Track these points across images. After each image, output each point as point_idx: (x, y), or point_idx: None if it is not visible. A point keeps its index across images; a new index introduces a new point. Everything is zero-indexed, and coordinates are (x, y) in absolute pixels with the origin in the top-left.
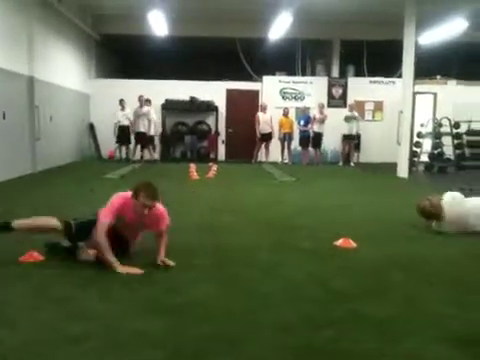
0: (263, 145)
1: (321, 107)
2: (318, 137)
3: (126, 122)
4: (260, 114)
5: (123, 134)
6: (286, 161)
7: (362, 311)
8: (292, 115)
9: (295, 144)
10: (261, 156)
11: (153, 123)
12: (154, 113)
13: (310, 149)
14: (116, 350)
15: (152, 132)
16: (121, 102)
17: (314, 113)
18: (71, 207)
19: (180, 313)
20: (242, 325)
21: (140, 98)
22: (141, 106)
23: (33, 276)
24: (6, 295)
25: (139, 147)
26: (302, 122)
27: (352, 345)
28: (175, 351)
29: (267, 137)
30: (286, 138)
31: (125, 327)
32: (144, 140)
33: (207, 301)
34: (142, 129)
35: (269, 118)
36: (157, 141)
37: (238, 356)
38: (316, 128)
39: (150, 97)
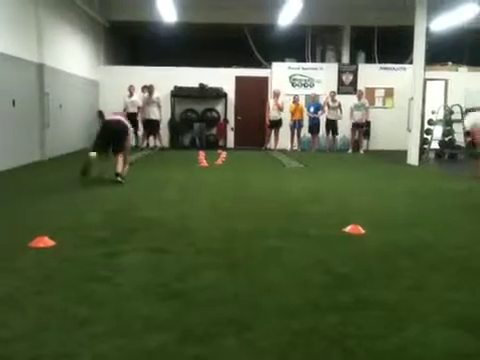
0: (272, 132)
1: (333, 95)
2: (333, 124)
3: (133, 109)
4: (271, 101)
5: (131, 121)
6: (295, 148)
7: (368, 297)
8: (302, 102)
9: (304, 131)
10: (270, 143)
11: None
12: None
13: (322, 136)
14: (124, 334)
15: (159, 118)
16: (130, 88)
17: (327, 101)
18: (80, 194)
19: (188, 298)
20: (249, 309)
21: (150, 87)
22: (150, 94)
23: (43, 261)
24: (15, 280)
25: (146, 134)
26: (312, 109)
27: (357, 330)
28: (183, 334)
29: (276, 124)
30: (296, 125)
31: (133, 311)
32: (154, 127)
33: (214, 286)
34: (152, 116)
35: (280, 105)
36: (165, 128)
37: (244, 339)
38: (330, 116)
39: (160, 84)
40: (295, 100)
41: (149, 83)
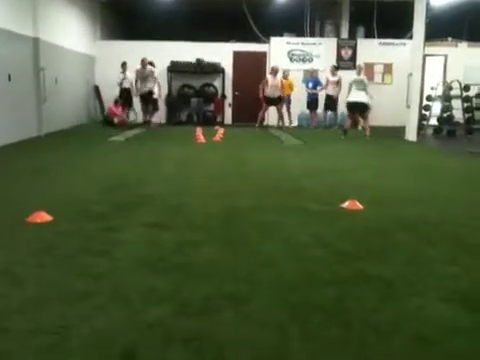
0: (275, 108)
1: (333, 69)
2: (331, 100)
3: (127, 85)
4: (269, 77)
5: (125, 97)
6: (294, 124)
7: (366, 271)
8: (300, 77)
9: (303, 107)
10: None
11: (158, 84)
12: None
13: (319, 111)
14: (123, 306)
15: (157, 94)
16: (123, 65)
17: (327, 75)
18: (77, 169)
19: (186, 271)
20: (246, 283)
21: (143, 60)
22: (143, 67)
23: (40, 235)
24: (14, 254)
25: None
26: (310, 85)
27: (355, 304)
28: (181, 307)
29: (272, 101)
30: (285, 101)
31: (132, 284)
32: (150, 100)
33: (212, 260)
34: (147, 89)
35: (278, 83)
36: (162, 103)
37: (242, 312)
38: (330, 91)
39: (156, 59)
40: (284, 75)
41: (142, 58)
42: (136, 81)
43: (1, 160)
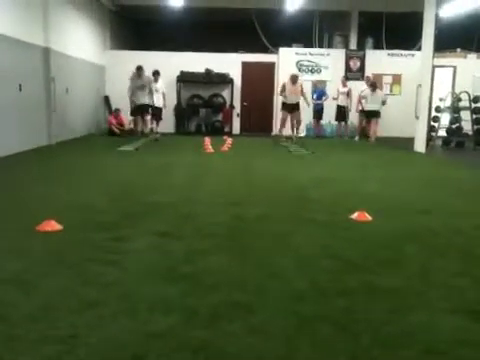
0: (290, 116)
1: (344, 80)
2: (343, 110)
3: None
4: (288, 84)
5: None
6: (302, 135)
7: (375, 282)
8: (308, 88)
9: (310, 117)
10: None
11: (161, 94)
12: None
13: (328, 122)
14: (132, 315)
15: (161, 104)
16: None
17: (338, 87)
18: (87, 178)
19: (195, 281)
20: (255, 293)
21: (139, 68)
22: (140, 77)
23: (50, 244)
24: (24, 262)
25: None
26: (315, 95)
27: (364, 315)
28: (190, 316)
29: (291, 107)
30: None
31: (141, 293)
32: (144, 112)
33: (221, 270)
34: (142, 101)
35: (298, 88)
36: (171, 113)
37: (251, 322)
38: (340, 102)
39: (166, 69)
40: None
41: (137, 66)
42: (130, 90)
43: (12, 168)
